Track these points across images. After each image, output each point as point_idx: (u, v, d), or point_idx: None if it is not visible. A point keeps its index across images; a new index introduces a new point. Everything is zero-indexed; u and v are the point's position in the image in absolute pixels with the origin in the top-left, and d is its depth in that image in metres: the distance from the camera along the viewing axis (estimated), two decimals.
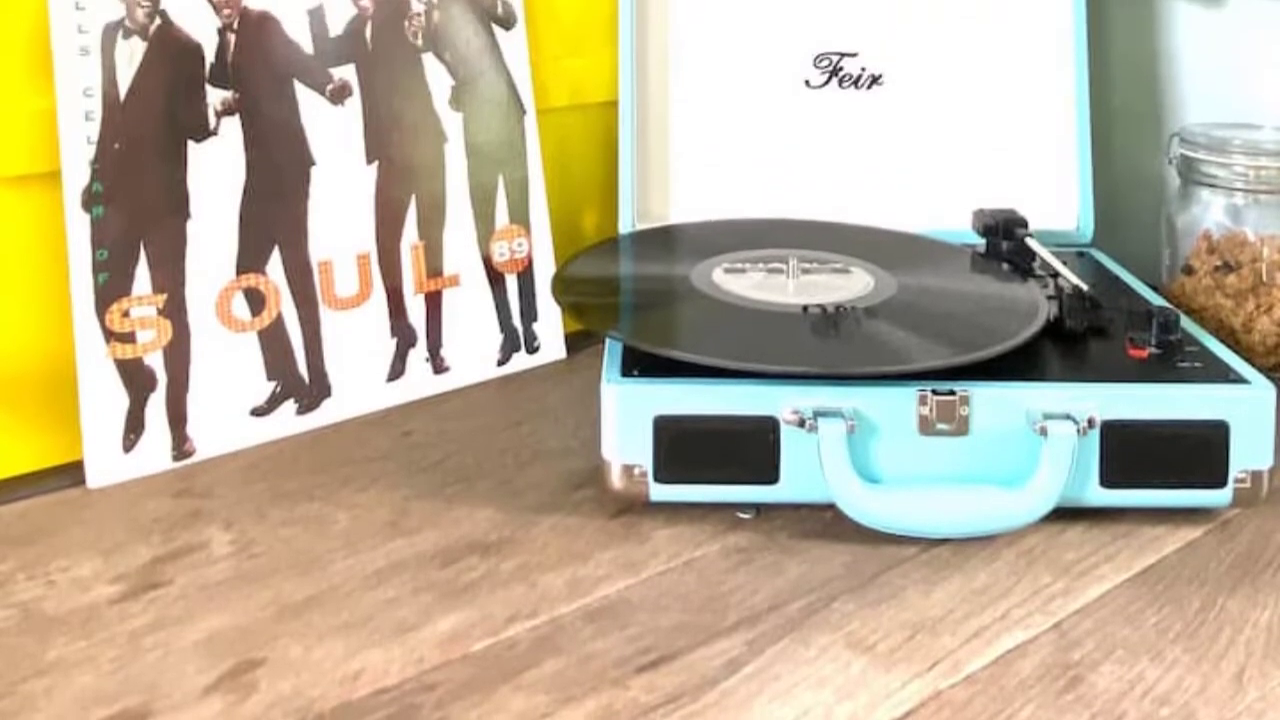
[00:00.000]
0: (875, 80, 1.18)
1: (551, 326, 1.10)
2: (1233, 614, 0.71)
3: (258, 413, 0.93)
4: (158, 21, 0.89)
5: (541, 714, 0.62)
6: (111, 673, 0.65)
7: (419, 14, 1.02)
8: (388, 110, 0.99)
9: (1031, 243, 0.97)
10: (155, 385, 0.88)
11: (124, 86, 0.87)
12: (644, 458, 0.79)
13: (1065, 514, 0.79)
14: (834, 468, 0.77)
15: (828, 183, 1.18)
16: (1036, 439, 0.77)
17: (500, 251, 1.07)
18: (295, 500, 0.85)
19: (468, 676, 0.65)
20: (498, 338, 1.07)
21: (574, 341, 1.12)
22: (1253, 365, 0.84)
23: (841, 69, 1.18)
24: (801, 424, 0.77)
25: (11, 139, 0.85)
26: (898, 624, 0.70)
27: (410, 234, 1.01)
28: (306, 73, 0.95)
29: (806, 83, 1.18)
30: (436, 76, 1.02)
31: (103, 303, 0.86)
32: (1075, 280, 0.92)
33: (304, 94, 0.95)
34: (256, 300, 0.93)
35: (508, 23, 1.07)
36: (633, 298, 0.94)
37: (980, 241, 1.02)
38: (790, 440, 0.78)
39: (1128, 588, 0.73)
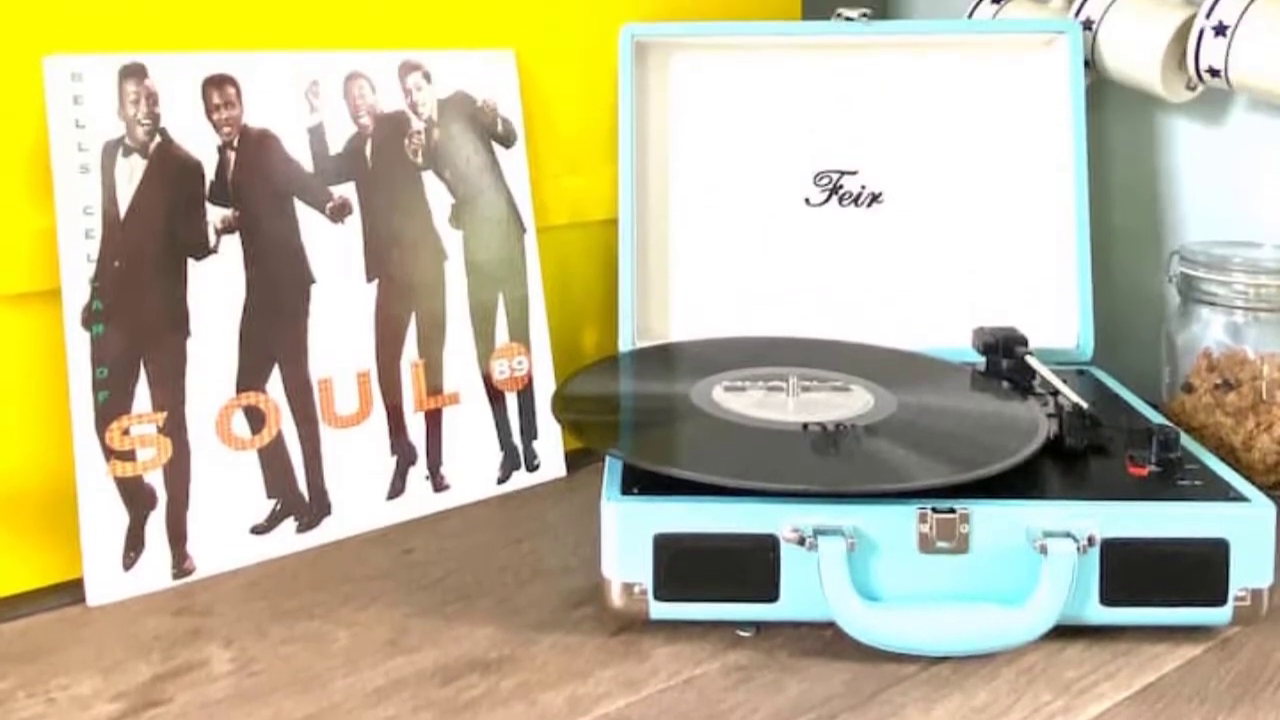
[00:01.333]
0: (875, 198, 1.24)
1: (551, 444, 1.15)
2: None
3: (258, 530, 0.98)
4: (158, 139, 0.95)
5: None
6: None
7: (419, 132, 1.09)
8: (388, 228, 1.05)
9: (1032, 361, 1.03)
10: (155, 503, 0.93)
11: (124, 204, 0.93)
12: (644, 575, 0.84)
13: (1065, 631, 0.83)
14: (834, 586, 0.81)
15: (828, 300, 1.24)
16: (1037, 557, 0.81)
17: (500, 369, 1.12)
18: (295, 618, 0.89)
19: None
20: (498, 455, 1.12)
21: (574, 459, 1.17)
22: (1253, 483, 0.89)
23: (841, 187, 1.25)
24: (801, 542, 0.82)
25: (12, 257, 0.90)
26: None
27: (410, 352, 1.06)
28: (306, 190, 1.02)
29: (806, 200, 1.25)
30: (436, 194, 1.09)
31: (103, 420, 0.91)
32: (1075, 398, 0.97)
33: (304, 212, 1.01)
34: (256, 418, 0.98)
35: (508, 141, 1.14)
36: (633, 415, 0.99)
37: (980, 359, 1.08)
38: (790, 558, 0.83)
39: (1128, 706, 0.77)
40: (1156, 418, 1.01)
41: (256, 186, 0.99)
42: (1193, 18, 1.17)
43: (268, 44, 1.03)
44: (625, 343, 1.20)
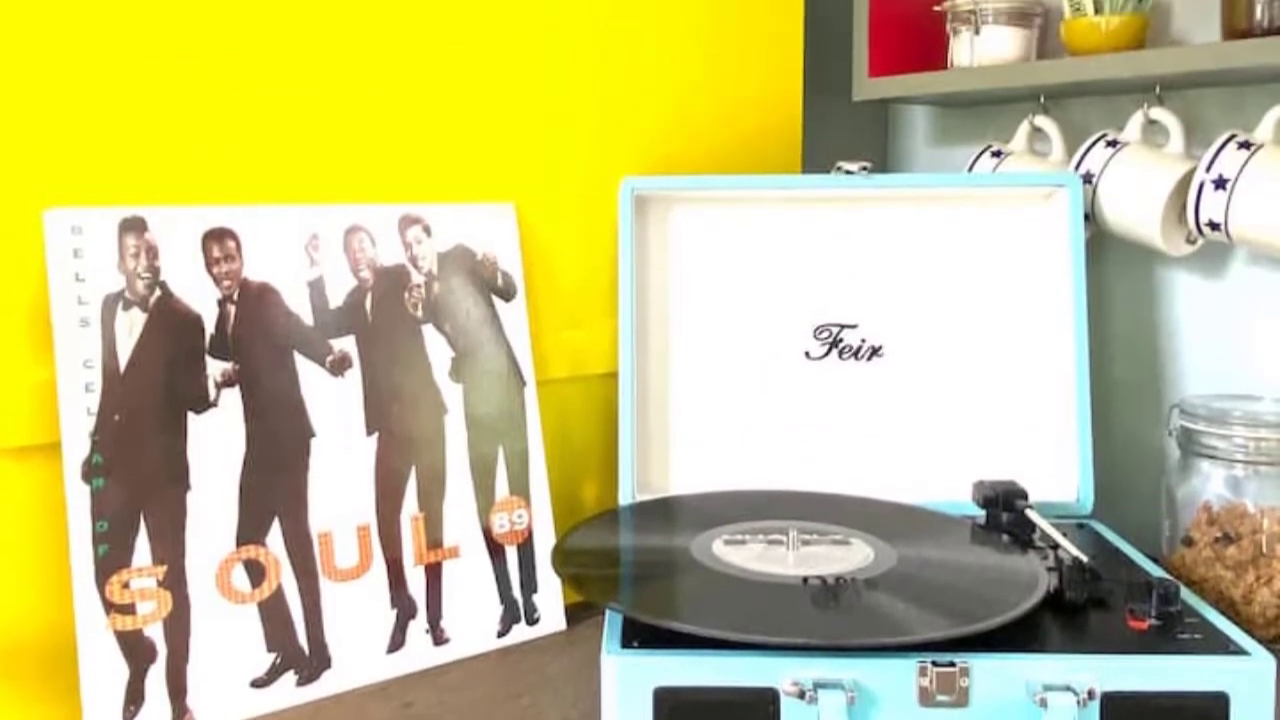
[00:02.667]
0: (875, 352, 1.31)
1: (552, 597, 1.19)
2: None
3: (258, 684, 1.01)
4: (158, 293, 1.00)
5: None
6: None
7: (419, 286, 1.15)
8: (388, 382, 1.11)
9: (1031, 514, 1.08)
10: (155, 656, 0.97)
11: (124, 358, 0.97)
12: None
13: None
14: None
15: (828, 454, 1.30)
16: (1037, 710, 0.85)
17: (500, 523, 1.17)
18: None
19: None
20: (498, 609, 1.16)
21: (574, 612, 1.21)
22: (1253, 637, 0.94)
23: (842, 340, 1.31)
24: (802, 695, 0.86)
25: (12, 410, 0.95)
26: None
27: (410, 505, 1.11)
28: (306, 344, 1.07)
29: (806, 354, 1.31)
30: (436, 348, 1.15)
31: (103, 574, 0.95)
32: (1075, 552, 1.02)
33: (304, 365, 1.06)
34: (256, 571, 1.02)
35: (508, 294, 1.20)
36: (633, 569, 1.03)
37: (981, 513, 1.13)
38: (790, 712, 0.87)
39: None
40: (1156, 571, 1.06)
41: (256, 340, 1.04)
42: (1193, 171, 1.25)
43: (268, 197, 1.09)
44: (625, 496, 1.25)
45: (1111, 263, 1.48)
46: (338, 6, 1.12)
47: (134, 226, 1.00)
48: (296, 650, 1.04)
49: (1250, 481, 1.17)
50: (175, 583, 0.98)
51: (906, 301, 1.32)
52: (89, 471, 0.95)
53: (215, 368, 1.02)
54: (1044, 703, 0.85)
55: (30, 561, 0.97)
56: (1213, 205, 1.21)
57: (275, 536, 1.04)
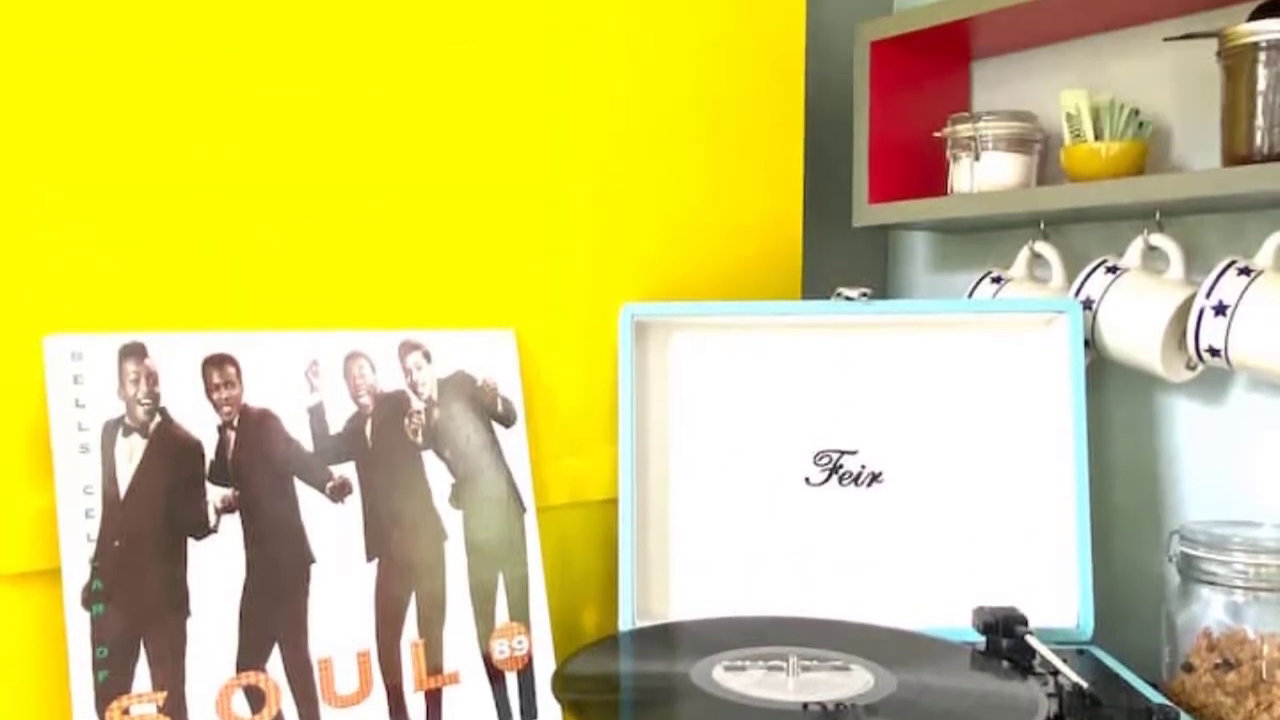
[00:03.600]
0: (875, 478, 1.35)
1: None
2: None
3: None
4: (158, 419, 1.04)
5: None
6: None
7: (419, 412, 1.19)
8: (388, 508, 1.15)
9: (1031, 640, 1.12)
10: None
11: (124, 484, 1.01)
12: None
13: None
14: None
15: (828, 580, 1.34)
16: None
17: (500, 649, 1.20)
18: None
19: None
20: None
21: None
22: None
23: (842, 466, 1.35)
24: None
25: (11, 537, 0.98)
26: None
27: (410, 631, 1.14)
28: (306, 470, 1.11)
29: (806, 480, 1.35)
30: (436, 474, 1.19)
31: (103, 700, 0.97)
32: (1075, 678, 1.05)
33: (304, 491, 1.10)
34: (257, 698, 1.05)
35: (508, 420, 1.25)
36: (634, 695, 1.06)
37: (981, 639, 1.17)
38: None
39: None
40: (1157, 697, 1.10)
41: (256, 466, 1.08)
42: (1193, 297, 1.29)
43: (268, 323, 1.13)
44: (625, 622, 1.29)
45: (1111, 388, 1.52)
46: (337, 133, 1.17)
47: (134, 352, 1.04)
48: None
49: (1250, 607, 1.20)
50: (175, 709, 1.01)
51: (906, 427, 1.37)
52: (89, 597, 0.98)
53: (215, 494, 1.05)
54: None
55: (30, 687, 0.99)
56: (1213, 331, 1.25)
57: (275, 662, 1.06)
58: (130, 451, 1.02)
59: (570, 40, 1.34)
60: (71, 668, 0.97)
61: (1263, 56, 1.23)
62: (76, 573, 0.98)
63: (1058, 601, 1.32)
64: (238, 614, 1.05)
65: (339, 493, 1.13)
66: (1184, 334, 1.30)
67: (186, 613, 1.03)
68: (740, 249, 1.50)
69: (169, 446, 1.04)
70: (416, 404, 1.19)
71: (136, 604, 1.00)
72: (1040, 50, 1.60)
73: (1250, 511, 1.41)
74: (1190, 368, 1.36)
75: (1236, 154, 1.26)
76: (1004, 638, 1.13)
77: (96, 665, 0.98)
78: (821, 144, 1.73)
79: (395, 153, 1.21)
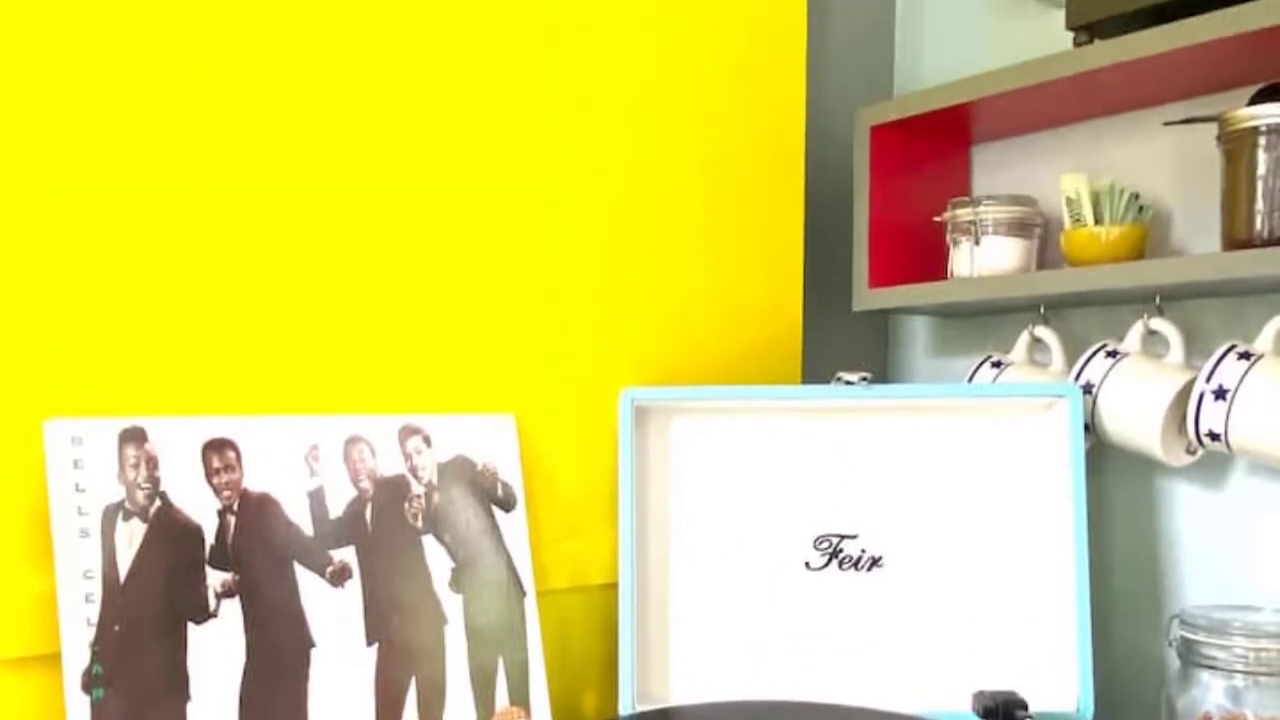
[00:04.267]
0: (875, 562, 1.37)
1: None
2: None
3: None
4: (158, 503, 1.06)
5: None
6: None
7: (419, 496, 1.22)
8: (388, 592, 1.17)
9: None
10: None
11: (124, 568, 1.03)
12: None
13: None
14: None
15: (828, 663, 1.36)
16: None
17: None
18: None
19: None
20: None
21: None
22: None
23: (842, 551, 1.38)
24: None
25: (12, 621, 1.00)
26: None
27: (410, 715, 1.16)
28: (306, 555, 1.13)
29: (806, 564, 1.38)
30: (436, 558, 1.21)
31: None
32: None
33: (304, 575, 1.12)
34: None
35: (508, 505, 1.27)
36: None
37: None
38: None
39: None
40: None
41: (257, 550, 1.10)
42: (1193, 382, 1.31)
43: (267, 408, 1.16)
44: (625, 707, 1.30)
45: (1112, 472, 1.55)
46: (337, 217, 1.21)
47: (134, 437, 1.06)
48: None
49: (1250, 692, 1.22)
50: None
51: (907, 512, 1.39)
52: (89, 682, 0.99)
53: (215, 578, 1.08)
54: None
55: None
56: (1213, 416, 1.28)
57: None
58: (130, 536, 1.04)
59: (571, 123, 1.38)
60: None
61: (1263, 141, 1.26)
62: (77, 657, 1.00)
63: (1058, 685, 1.34)
64: (238, 698, 1.07)
65: (339, 577, 1.15)
66: (1184, 418, 1.32)
67: (187, 697, 1.05)
68: (740, 333, 1.54)
69: (169, 531, 1.06)
70: (416, 488, 1.21)
71: (137, 688, 1.02)
72: (1040, 134, 1.63)
73: (1251, 596, 1.42)
74: (1190, 452, 1.38)
75: (1237, 238, 1.28)
76: None
77: None
78: (821, 227, 1.76)
79: (396, 237, 1.25)
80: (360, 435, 1.19)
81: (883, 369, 1.85)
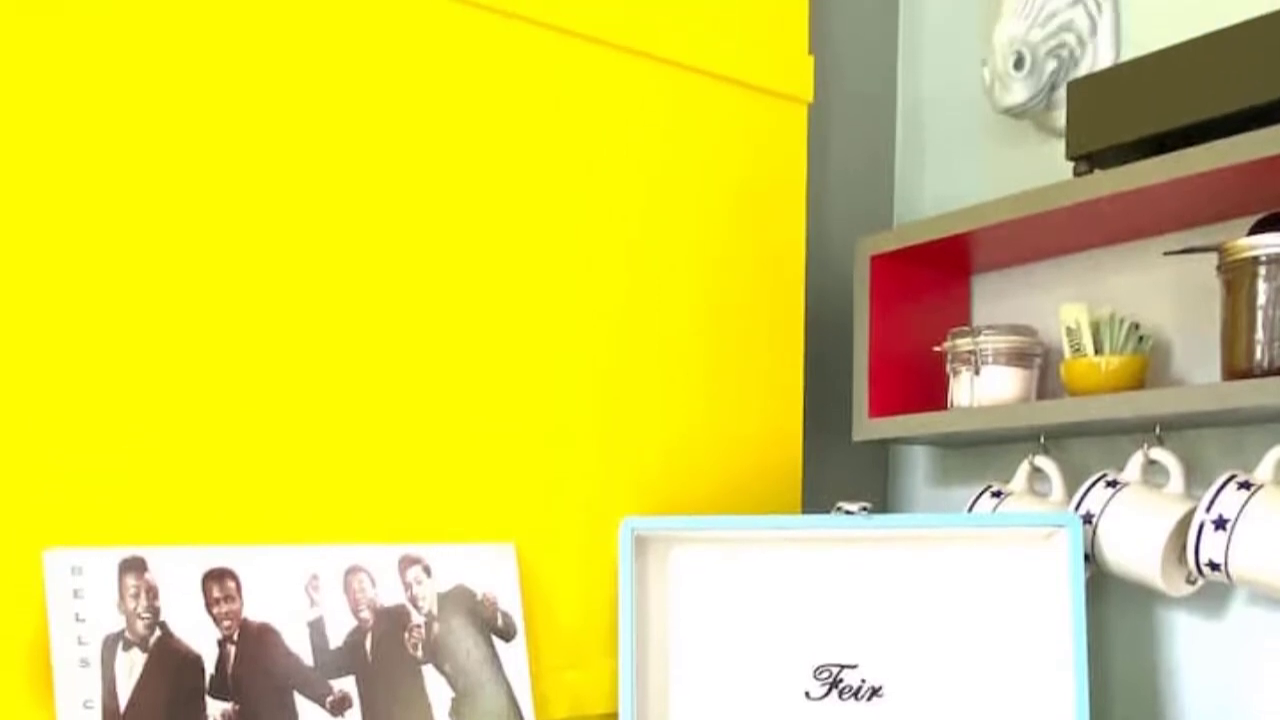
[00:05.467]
0: (875, 692, 1.41)
1: None
2: None
3: None
4: (158, 633, 1.09)
5: None
6: None
7: (419, 626, 1.25)
8: None
9: None
10: None
11: (124, 698, 1.06)
12: None
13: None
14: None
15: None
16: None
17: None
18: None
19: None
20: None
21: None
22: None
23: (842, 680, 1.41)
24: None
25: None
26: None
27: None
28: (307, 685, 1.16)
29: (806, 694, 1.41)
30: (437, 688, 1.24)
31: None
32: None
33: (304, 705, 1.15)
34: None
35: (508, 634, 1.30)
36: None
37: None
38: None
39: None
40: None
41: (257, 680, 1.13)
42: (1192, 512, 1.34)
43: (267, 537, 1.19)
44: None
45: (1112, 602, 1.57)
46: (338, 345, 1.25)
47: (134, 567, 1.09)
48: None
49: None
50: None
51: (907, 642, 1.42)
52: None
53: (215, 708, 1.10)
54: None
55: None
56: (1213, 546, 1.30)
57: None
58: (130, 666, 1.07)
59: (572, 253, 1.43)
60: None
61: (1262, 271, 1.29)
62: None
63: None
64: None
65: (339, 707, 1.18)
66: (1184, 548, 1.34)
67: None
68: (740, 463, 1.57)
69: (169, 660, 1.09)
70: (417, 618, 1.25)
71: None
72: (1040, 264, 1.67)
73: None
74: (1190, 582, 1.41)
75: (1236, 368, 1.31)
76: None
77: None
78: (821, 356, 1.80)
79: (397, 368, 1.29)
80: (360, 565, 1.23)
81: (883, 499, 1.88)
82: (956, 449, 1.78)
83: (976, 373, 1.55)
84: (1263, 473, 1.34)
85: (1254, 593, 1.43)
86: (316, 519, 1.23)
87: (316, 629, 1.19)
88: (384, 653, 1.22)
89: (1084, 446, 1.62)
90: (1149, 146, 1.37)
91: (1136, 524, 1.39)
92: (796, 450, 1.64)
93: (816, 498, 1.72)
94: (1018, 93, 1.60)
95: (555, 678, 1.37)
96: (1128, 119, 1.38)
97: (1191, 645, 1.50)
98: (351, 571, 1.22)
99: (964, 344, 1.57)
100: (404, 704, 1.22)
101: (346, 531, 1.25)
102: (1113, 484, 1.44)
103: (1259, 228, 1.33)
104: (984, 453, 1.74)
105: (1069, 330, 1.49)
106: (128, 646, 1.08)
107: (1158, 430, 1.47)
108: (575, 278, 1.43)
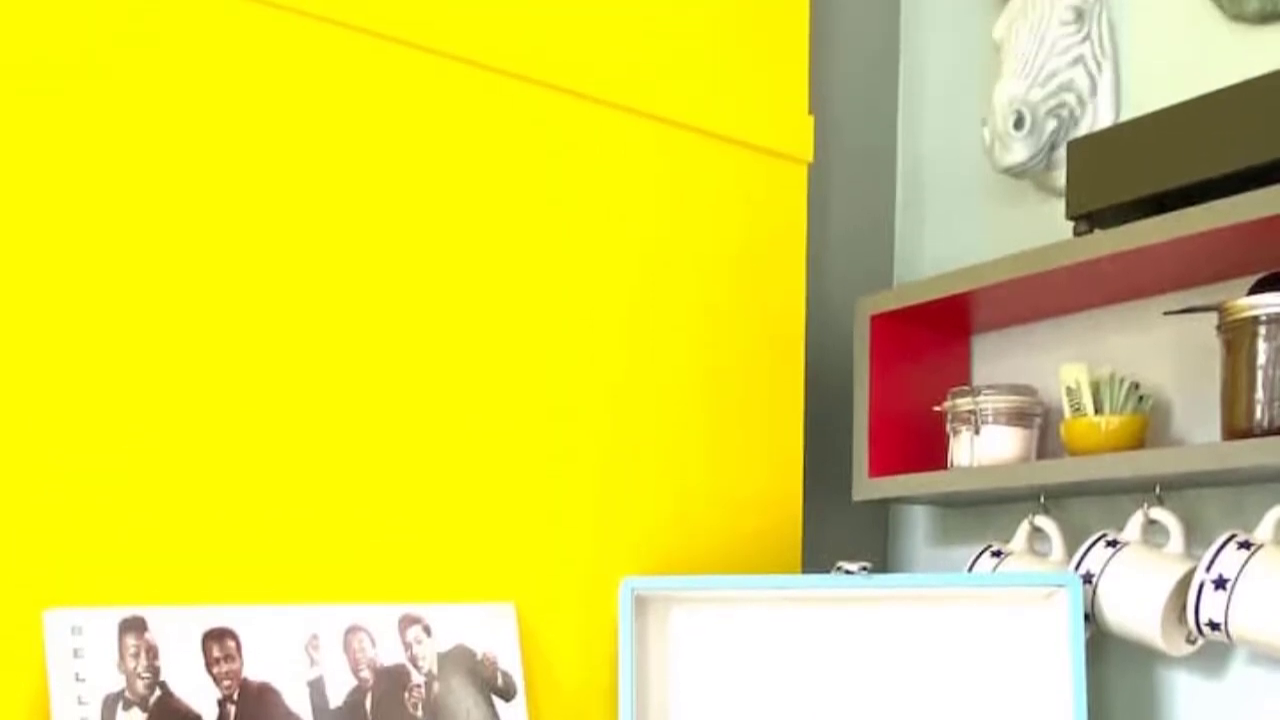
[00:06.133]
0: None
1: None
2: None
3: None
4: (158, 693, 1.11)
5: None
6: None
7: (419, 685, 1.26)
8: None
9: None
10: None
11: None
12: None
13: None
14: None
15: None
16: None
17: None
18: None
19: None
20: None
21: None
22: None
23: None
24: None
25: None
26: None
27: None
28: None
29: None
30: None
31: None
32: None
33: None
34: None
35: (508, 694, 1.32)
36: None
37: None
38: None
39: None
40: None
41: None
42: (1192, 571, 1.35)
43: (267, 597, 1.21)
44: None
45: (1112, 662, 1.58)
46: (337, 405, 1.28)
47: (134, 627, 1.11)
48: None
49: None
50: None
51: (907, 701, 1.44)
52: None
53: None
54: None
55: None
56: (1213, 605, 1.31)
57: None
58: None
59: (572, 312, 1.45)
60: None
61: (1262, 330, 1.30)
62: None
63: None
64: None
65: None
66: (1184, 608, 1.36)
67: None
68: (740, 522, 1.59)
69: None
70: (417, 678, 1.26)
71: None
72: (1040, 324, 1.69)
73: None
74: (1191, 641, 1.42)
75: (1236, 428, 1.32)
76: None
77: None
78: (821, 415, 1.81)
79: (396, 427, 1.31)
80: (360, 625, 1.24)
81: (883, 558, 1.89)
82: (956, 508, 1.80)
83: (976, 432, 1.57)
84: (1263, 533, 1.35)
85: (1254, 653, 1.44)
86: (316, 578, 1.25)
87: (317, 689, 1.20)
88: (384, 712, 1.23)
89: (1084, 506, 1.63)
90: (1149, 206, 1.39)
91: (1137, 584, 1.41)
92: (796, 509, 1.66)
93: (816, 557, 1.73)
94: (1018, 152, 1.62)
95: None
96: (1127, 178, 1.40)
97: (1192, 705, 1.52)
98: (351, 631, 1.24)
99: (964, 403, 1.59)
100: None
101: (346, 591, 1.27)
102: (1113, 543, 1.46)
103: (1259, 287, 1.35)
104: (984, 512, 1.76)
105: (1069, 390, 1.51)
106: (128, 706, 1.09)
107: (1158, 490, 1.48)
108: (575, 338, 1.45)
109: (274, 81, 1.25)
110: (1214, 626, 1.33)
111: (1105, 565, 1.43)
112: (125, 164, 1.17)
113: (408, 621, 1.28)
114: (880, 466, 1.64)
